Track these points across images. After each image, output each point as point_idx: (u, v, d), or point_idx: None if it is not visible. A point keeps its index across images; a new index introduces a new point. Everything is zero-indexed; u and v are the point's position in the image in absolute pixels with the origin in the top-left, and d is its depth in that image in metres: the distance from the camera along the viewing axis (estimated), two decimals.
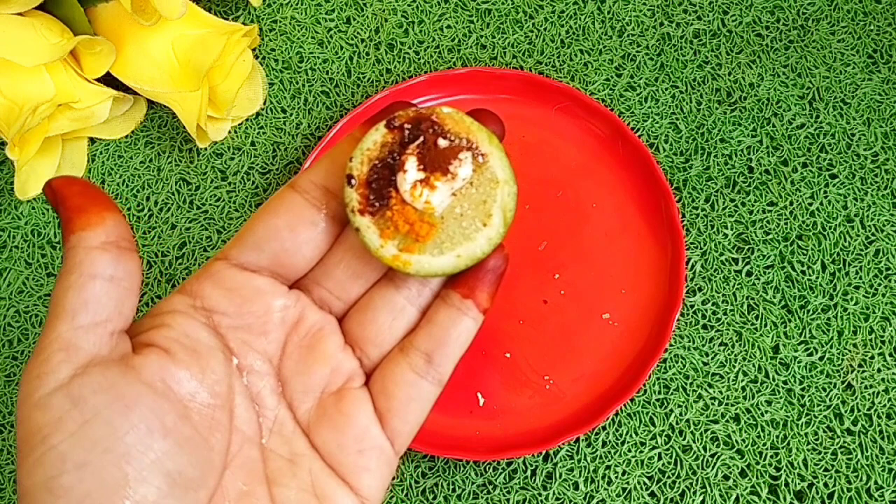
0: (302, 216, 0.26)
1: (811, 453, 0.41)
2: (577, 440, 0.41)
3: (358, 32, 0.51)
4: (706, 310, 0.43)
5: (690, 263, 0.44)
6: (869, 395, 0.42)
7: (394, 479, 0.29)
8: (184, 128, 0.48)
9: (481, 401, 0.42)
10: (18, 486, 0.22)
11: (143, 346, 0.24)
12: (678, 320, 0.42)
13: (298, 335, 0.27)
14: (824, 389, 0.42)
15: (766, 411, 0.41)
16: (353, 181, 0.25)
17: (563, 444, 0.41)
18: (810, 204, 0.46)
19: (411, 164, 0.25)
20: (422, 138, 0.26)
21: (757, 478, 0.40)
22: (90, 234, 0.23)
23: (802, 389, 0.42)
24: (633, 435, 0.41)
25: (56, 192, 0.24)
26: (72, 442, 0.21)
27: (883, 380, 0.42)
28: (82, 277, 0.23)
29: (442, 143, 0.26)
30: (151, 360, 0.23)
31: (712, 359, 0.42)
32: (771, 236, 0.45)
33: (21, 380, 0.22)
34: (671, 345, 0.43)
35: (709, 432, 0.41)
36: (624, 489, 0.40)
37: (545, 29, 0.50)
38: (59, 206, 0.24)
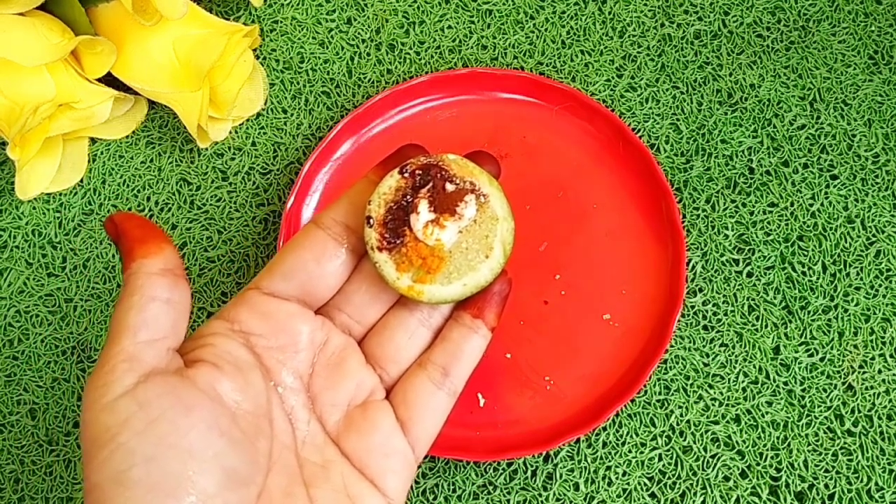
0: (326, 250, 0.30)
1: (812, 454, 0.41)
2: (578, 441, 0.41)
3: (359, 33, 0.51)
4: (707, 311, 0.43)
5: (691, 264, 0.44)
6: (869, 396, 0.42)
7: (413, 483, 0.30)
8: (184, 128, 0.48)
9: (482, 401, 0.42)
10: (85, 482, 0.24)
11: (193, 361, 0.27)
12: (679, 321, 0.42)
13: (325, 355, 0.30)
14: (825, 390, 0.42)
15: (767, 412, 0.41)
16: (371, 221, 0.29)
17: (564, 444, 0.41)
18: (811, 205, 0.46)
19: (423, 206, 0.29)
20: (431, 183, 0.29)
21: (757, 479, 0.40)
22: (150, 261, 0.26)
23: (803, 390, 0.42)
24: (634, 436, 0.41)
25: (117, 225, 0.27)
26: (140, 439, 0.23)
27: (883, 381, 0.42)
28: (143, 299, 0.26)
29: (449, 187, 0.29)
30: (203, 372, 0.26)
31: (713, 360, 0.42)
32: (772, 237, 0.45)
33: (85, 389, 0.25)
34: (672, 345, 0.43)
35: (709, 433, 0.41)
36: (624, 490, 0.40)
37: (546, 30, 0.50)
38: (121, 237, 0.27)
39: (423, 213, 0.29)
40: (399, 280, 0.29)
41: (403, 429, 0.29)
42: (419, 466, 0.31)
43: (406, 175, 0.29)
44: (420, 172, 0.29)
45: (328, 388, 0.30)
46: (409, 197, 0.29)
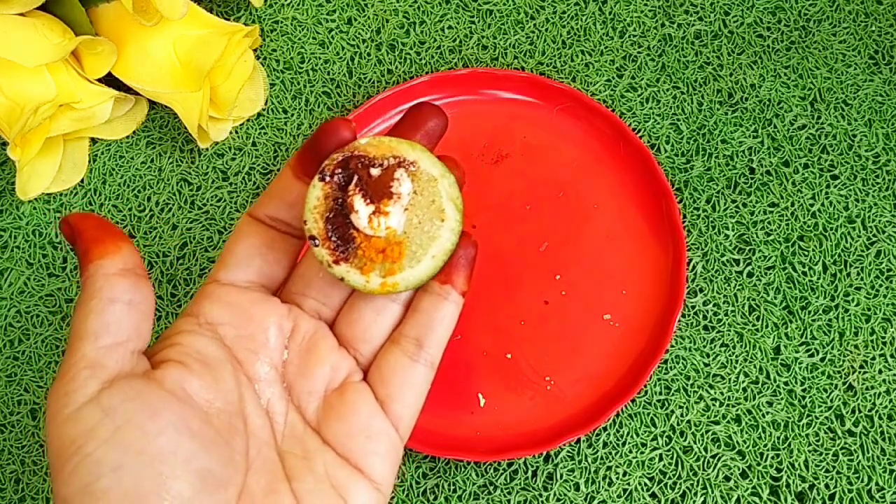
0: (272, 235, 0.29)
1: (812, 454, 0.41)
2: (578, 441, 0.41)
3: (359, 33, 0.51)
4: (707, 311, 0.43)
5: (691, 264, 0.44)
6: (870, 396, 0.42)
7: (401, 467, 0.29)
8: (185, 128, 0.48)
9: (482, 401, 0.42)
10: (55, 497, 0.23)
11: (160, 362, 0.26)
12: (679, 321, 0.42)
13: (296, 342, 0.29)
14: (825, 390, 0.42)
15: (768, 412, 0.41)
16: (316, 241, 0.28)
17: (564, 444, 0.41)
18: (811, 205, 0.46)
19: (358, 202, 0.27)
20: (356, 176, 0.28)
21: (758, 479, 0.40)
22: (108, 262, 0.25)
23: (804, 390, 0.42)
24: (634, 436, 0.41)
25: (73, 226, 0.26)
26: (106, 448, 0.23)
27: (884, 381, 0.42)
28: (103, 302, 0.25)
29: (374, 171, 0.28)
30: (170, 372, 0.25)
31: (713, 360, 0.42)
32: (772, 237, 0.45)
33: (48, 400, 0.24)
34: (672, 346, 0.43)
35: (710, 433, 0.41)
36: (625, 490, 0.40)
37: (546, 30, 0.50)
38: (77, 238, 0.26)
39: (361, 208, 0.27)
40: (369, 283, 0.28)
41: (384, 408, 0.29)
42: (404, 452, 0.30)
43: (327, 180, 0.28)
44: (340, 171, 0.28)
45: (302, 375, 0.29)
46: (340, 200, 0.28)
